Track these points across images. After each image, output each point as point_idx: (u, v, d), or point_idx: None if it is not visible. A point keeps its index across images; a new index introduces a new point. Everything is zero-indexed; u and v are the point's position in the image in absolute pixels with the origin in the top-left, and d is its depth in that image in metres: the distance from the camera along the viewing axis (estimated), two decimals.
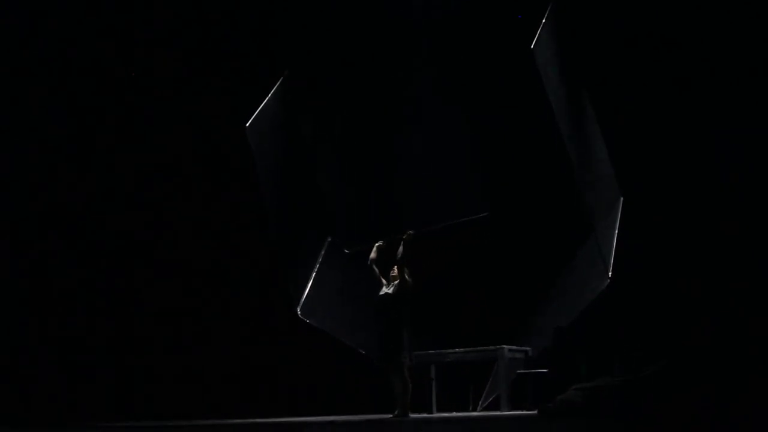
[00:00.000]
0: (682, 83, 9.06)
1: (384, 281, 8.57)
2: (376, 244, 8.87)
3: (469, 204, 9.28)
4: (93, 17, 11.20)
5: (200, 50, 11.42)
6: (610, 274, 8.40)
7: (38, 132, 11.45)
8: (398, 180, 9.89)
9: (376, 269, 8.69)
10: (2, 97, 11.13)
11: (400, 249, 8.49)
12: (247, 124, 9.35)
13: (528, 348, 9.47)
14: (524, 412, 8.59)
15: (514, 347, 9.32)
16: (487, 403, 9.64)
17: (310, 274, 10.16)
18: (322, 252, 10.45)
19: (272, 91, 9.95)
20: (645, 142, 9.27)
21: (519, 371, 9.14)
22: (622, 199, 9.45)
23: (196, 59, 11.41)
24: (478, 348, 9.37)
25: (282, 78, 10.16)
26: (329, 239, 10.51)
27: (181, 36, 11.34)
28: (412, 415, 8.31)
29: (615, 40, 9.38)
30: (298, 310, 9.81)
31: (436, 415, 9.24)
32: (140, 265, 11.65)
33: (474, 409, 9.71)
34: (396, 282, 8.43)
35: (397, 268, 8.43)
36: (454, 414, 9.17)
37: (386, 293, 8.44)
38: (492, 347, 9.23)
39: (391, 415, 8.30)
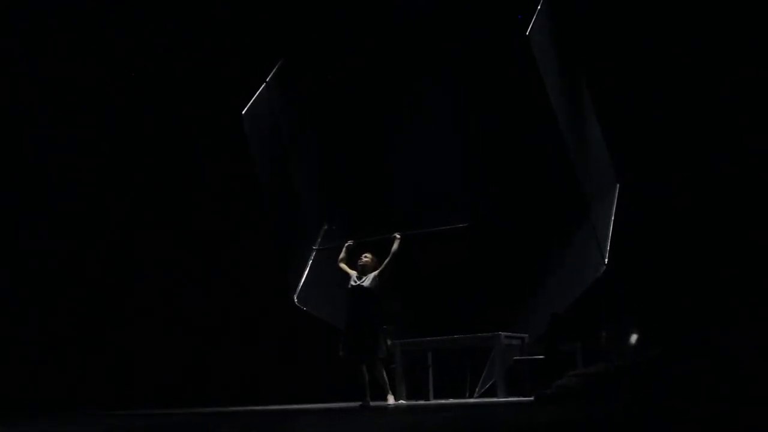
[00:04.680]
0: (678, 67, 9.03)
1: (354, 273, 8.59)
2: (346, 244, 9.00)
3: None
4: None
5: (197, 39, 11.37)
6: (606, 260, 8.39)
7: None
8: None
9: (345, 267, 8.77)
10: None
11: (395, 246, 8.52)
12: (243, 112, 9.33)
13: (524, 334, 9.47)
14: (521, 398, 8.60)
15: (510, 334, 9.31)
16: (483, 389, 9.65)
17: (307, 261, 10.16)
18: (319, 239, 10.45)
19: (268, 79, 9.94)
20: (641, 127, 9.25)
21: (515, 358, 9.14)
22: (618, 185, 9.45)
23: (193, 47, 11.37)
24: (475, 335, 9.36)
25: (278, 66, 10.14)
26: (326, 227, 10.50)
27: (179, 24, 11.28)
28: (407, 402, 8.35)
29: (611, 24, 9.34)
30: (295, 297, 9.82)
31: (432, 401, 9.25)
32: (139, 249, 11.63)
33: (470, 396, 9.72)
34: (371, 274, 8.47)
35: (386, 263, 8.46)
36: (450, 401, 9.17)
37: (360, 285, 8.44)
38: (488, 334, 9.22)
39: (387, 402, 8.35)
